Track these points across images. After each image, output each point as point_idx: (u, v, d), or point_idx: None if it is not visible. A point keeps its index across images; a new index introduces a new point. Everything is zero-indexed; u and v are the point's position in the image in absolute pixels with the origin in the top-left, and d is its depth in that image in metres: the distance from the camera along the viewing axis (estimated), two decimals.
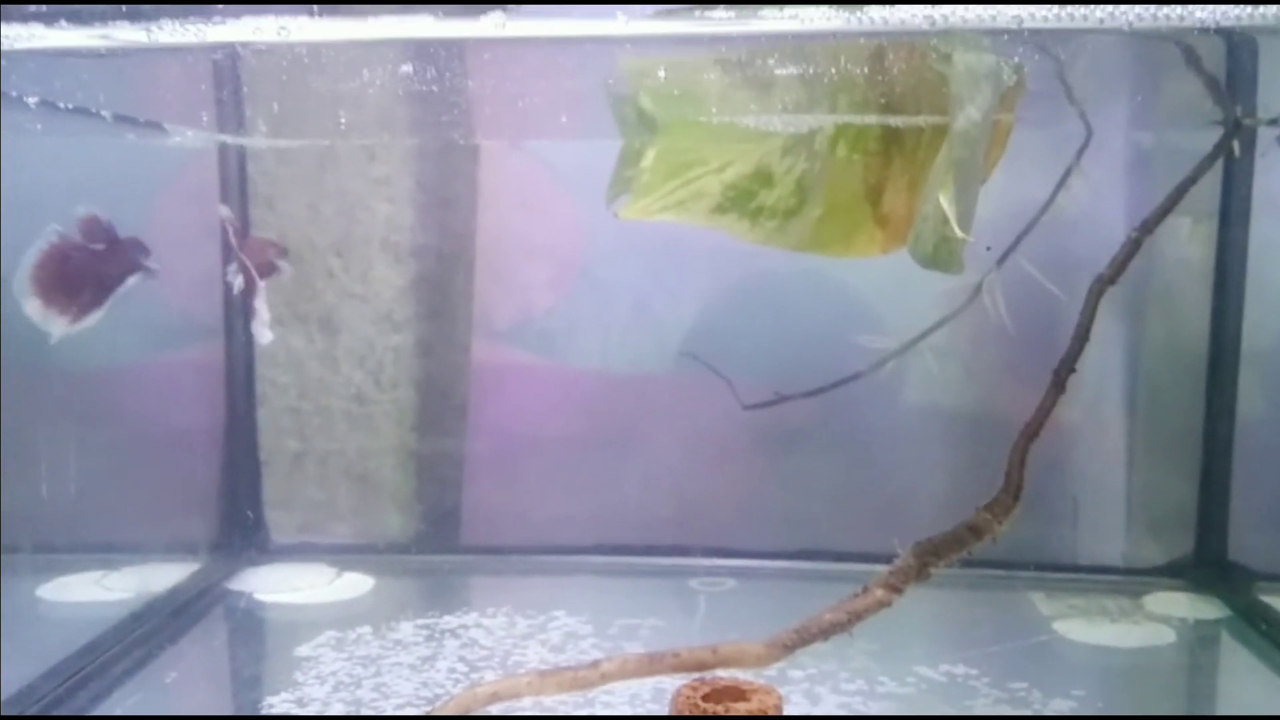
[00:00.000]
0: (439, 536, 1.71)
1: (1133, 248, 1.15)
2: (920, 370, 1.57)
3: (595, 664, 0.95)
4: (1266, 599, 1.44)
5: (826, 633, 0.99)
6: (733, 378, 1.53)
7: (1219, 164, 1.44)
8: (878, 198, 1.30)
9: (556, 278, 1.71)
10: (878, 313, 1.60)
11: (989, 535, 1.06)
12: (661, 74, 1.26)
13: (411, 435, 1.71)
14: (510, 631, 1.37)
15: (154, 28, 0.97)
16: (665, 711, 0.98)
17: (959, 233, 0.98)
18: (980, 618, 1.44)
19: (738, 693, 0.97)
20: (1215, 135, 1.26)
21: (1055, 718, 1.15)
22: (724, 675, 1.01)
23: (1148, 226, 1.17)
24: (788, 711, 1.11)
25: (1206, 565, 1.53)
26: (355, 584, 1.56)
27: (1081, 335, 1.12)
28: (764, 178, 1.36)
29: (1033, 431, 1.08)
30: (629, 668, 0.94)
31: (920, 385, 1.61)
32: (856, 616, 1.00)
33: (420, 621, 1.39)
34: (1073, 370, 1.11)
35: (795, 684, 1.19)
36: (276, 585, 1.54)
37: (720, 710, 0.95)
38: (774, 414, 1.52)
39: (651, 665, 0.95)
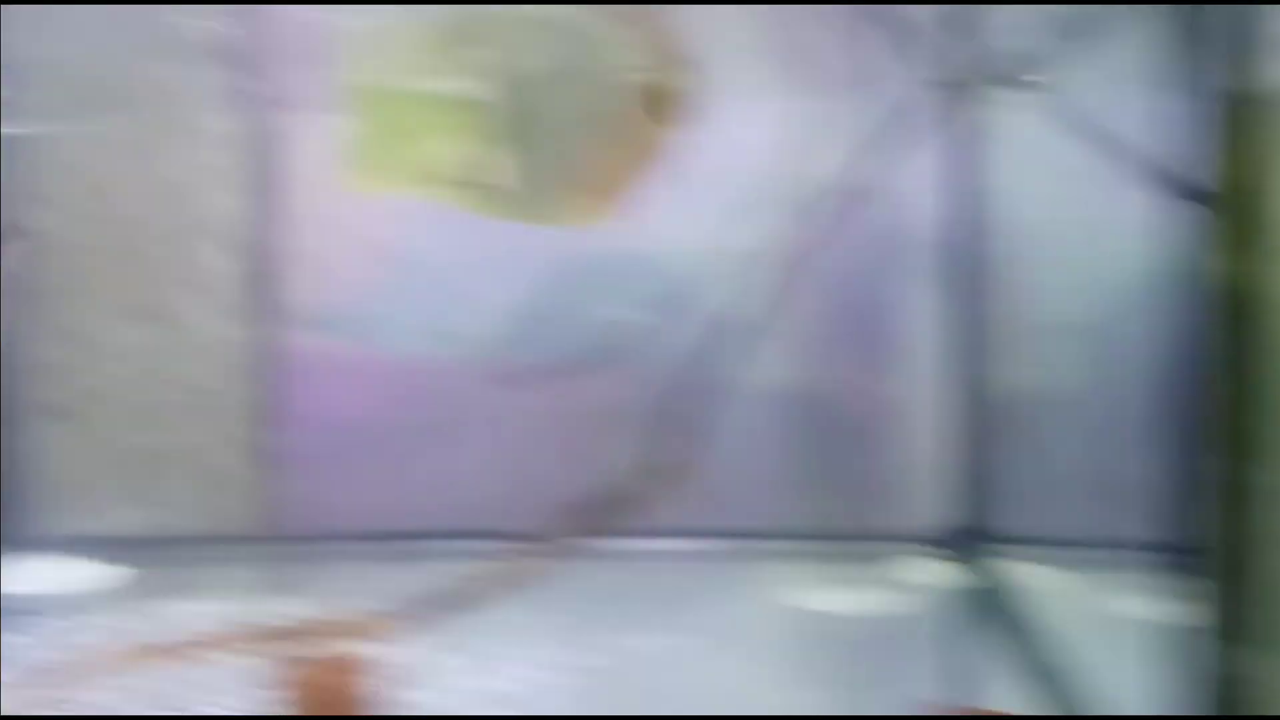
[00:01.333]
0: (254, 526, 1.69)
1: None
2: (734, 347, 1.56)
3: (192, 639, 0.93)
4: (1013, 565, 1.43)
5: (453, 604, 0.98)
6: (552, 360, 1.52)
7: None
8: (579, 166, 1.28)
9: (370, 262, 1.69)
10: (697, 294, 1.58)
11: (642, 502, 1.04)
12: (368, 43, 1.25)
13: (242, 426, 1.70)
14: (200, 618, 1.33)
15: None
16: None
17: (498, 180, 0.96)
18: (710, 589, 1.42)
19: (341, 662, 0.96)
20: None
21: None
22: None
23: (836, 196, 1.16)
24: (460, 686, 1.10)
25: (961, 533, 1.52)
26: (110, 576, 1.53)
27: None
28: (483, 150, 1.34)
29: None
30: (226, 640, 0.92)
31: (738, 362, 1.60)
32: (490, 585, 0.99)
33: (141, 610, 1.36)
34: None
35: (480, 656, 1.16)
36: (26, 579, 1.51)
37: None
38: (586, 396, 1.52)
39: (253, 638, 0.93)
